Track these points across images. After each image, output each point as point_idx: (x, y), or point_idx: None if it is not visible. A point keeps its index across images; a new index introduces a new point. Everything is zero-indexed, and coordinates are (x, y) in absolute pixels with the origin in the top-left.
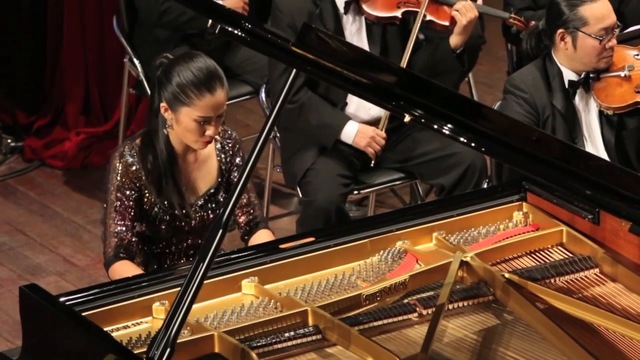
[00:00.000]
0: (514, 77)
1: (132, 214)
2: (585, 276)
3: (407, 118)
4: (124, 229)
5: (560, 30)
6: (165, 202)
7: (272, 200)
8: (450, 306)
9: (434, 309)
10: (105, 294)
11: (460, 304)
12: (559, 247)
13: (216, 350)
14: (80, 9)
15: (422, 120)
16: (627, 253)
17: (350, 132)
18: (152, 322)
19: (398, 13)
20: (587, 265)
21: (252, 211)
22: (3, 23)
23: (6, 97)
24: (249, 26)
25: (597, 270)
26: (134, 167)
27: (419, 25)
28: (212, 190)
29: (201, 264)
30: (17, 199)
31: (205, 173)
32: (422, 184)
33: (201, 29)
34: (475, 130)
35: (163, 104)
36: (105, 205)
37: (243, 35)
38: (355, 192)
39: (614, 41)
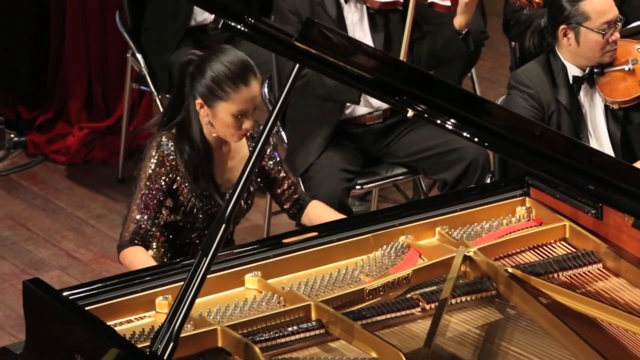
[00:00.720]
0: (518, 72)
1: (158, 205)
2: (588, 271)
3: (410, 113)
4: (145, 217)
5: (562, 27)
6: (203, 192)
7: None
8: (453, 301)
9: (437, 303)
10: (109, 289)
11: (463, 299)
12: (562, 242)
13: (219, 344)
14: (83, 4)
15: (425, 115)
16: (630, 248)
17: None
18: (155, 317)
19: None
20: (590, 260)
21: (296, 190)
22: (6, 18)
23: (9, 92)
24: (252, 21)
25: (600, 265)
26: (171, 157)
27: (413, 8)
28: None
29: (204, 259)
30: (20, 194)
31: (238, 162)
32: (425, 179)
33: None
34: (478, 125)
35: (198, 101)
36: (134, 189)
37: (246, 30)
38: (358, 187)
39: (616, 35)
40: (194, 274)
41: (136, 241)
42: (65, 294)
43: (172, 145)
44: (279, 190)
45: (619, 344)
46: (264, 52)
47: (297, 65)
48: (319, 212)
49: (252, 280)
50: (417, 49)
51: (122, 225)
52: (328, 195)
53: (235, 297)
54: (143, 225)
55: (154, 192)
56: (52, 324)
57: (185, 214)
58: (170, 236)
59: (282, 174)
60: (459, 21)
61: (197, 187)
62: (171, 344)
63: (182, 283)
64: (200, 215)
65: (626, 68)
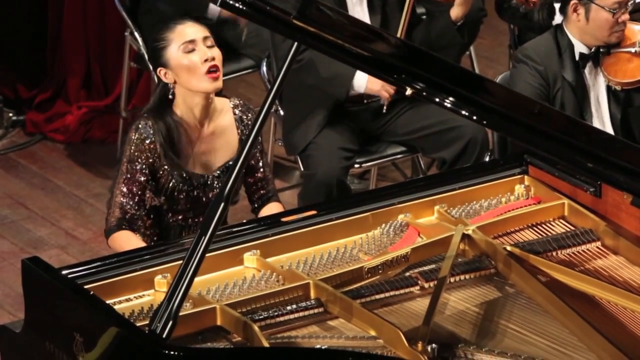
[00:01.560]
0: (527, 47)
1: (141, 188)
2: (587, 249)
3: (408, 91)
4: (130, 201)
5: (573, 2)
6: (183, 174)
7: (274, 173)
8: (452, 279)
9: (435, 281)
10: (108, 267)
11: (462, 277)
12: (561, 220)
13: (218, 323)
14: None
15: (424, 94)
16: (628, 226)
17: (362, 79)
18: (154, 295)
19: None
20: (588, 238)
21: (265, 185)
22: None
23: (7, 71)
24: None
25: (598, 243)
26: (148, 140)
27: None
28: (231, 162)
29: (203, 237)
30: (18, 173)
31: (224, 144)
32: (423, 158)
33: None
34: (476, 104)
35: (160, 70)
36: (116, 174)
37: (244, 8)
38: (357, 165)
39: (626, 16)
40: (192, 252)
41: (124, 226)
42: (64, 272)
43: (150, 128)
44: (250, 179)
45: (617, 322)
46: (262, 30)
47: (296, 43)
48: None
49: (251, 259)
50: (412, 34)
51: (107, 210)
52: (327, 173)
53: (234, 276)
54: (128, 209)
55: (135, 175)
56: (51, 303)
57: (166, 196)
58: (156, 219)
59: (260, 164)
60: (456, 12)
61: (175, 170)
62: (170, 323)
63: (181, 262)
64: (182, 197)
65: (633, 50)
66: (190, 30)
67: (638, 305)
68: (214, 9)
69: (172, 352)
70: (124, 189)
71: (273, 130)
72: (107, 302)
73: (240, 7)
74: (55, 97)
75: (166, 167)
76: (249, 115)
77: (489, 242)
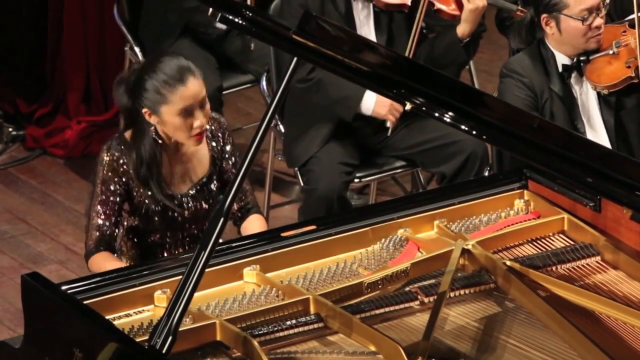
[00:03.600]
0: (511, 61)
1: (116, 208)
2: (587, 264)
3: (408, 106)
4: (107, 222)
5: (543, 15)
6: (155, 195)
7: (273, 188)
8: (452, 294)
9: (435, 296)
10: (107, 283)
11: (462, 292)
12: (561, 235)
13: (218, 338)
14: None
15: (423, 108)
16: (628, 240)
17: (370, 102)
18: (153, 311)
19: (407, 0)
20: (588, 253)
21: (243, 197)
22: (4, 11)
23: (7, 85)
24: (250, 14)
25: (598, 257)
26: (121, 161)
27: (423, 12)
28: (204, 179)
29: (203, 252)
30: (18, 188)
31: (197, 162)
32: (423, 172)
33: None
34: (476, 118)
35: (145, 110)
36: (91, 196)
37: (244, 23)
38: (357, 180)
39: (599, 20)
40: (192, 267)
41: (101, 247)
42: (63, 287)
43: (122, 150)
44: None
45: (617, 337)
46: (262, 45)
47: (295, 59)
48: (248, 226)
49: (250, 274)
50: (417, 51)
51: (85, 234)
52: (327, 188)
53: (234, 291)
54: (105, 229)
55: (110, 196)
56: (51, 318)
57: (141, 216)
58: (135, 239)
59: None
60: (462, 29)
61: (149, 190)
62: (170, 338)
63: (180, 277)
64: (156, 218)
65: (610, 52)
66: (190, 94)
67: (638, 320)
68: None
69: None
70: (100, 210)
71: (272, 145)
72: (107, 317)
73: (240, 22)
74: (55, 111)
75: (139, 188)
76: (219, 128)
77: (488, 257)
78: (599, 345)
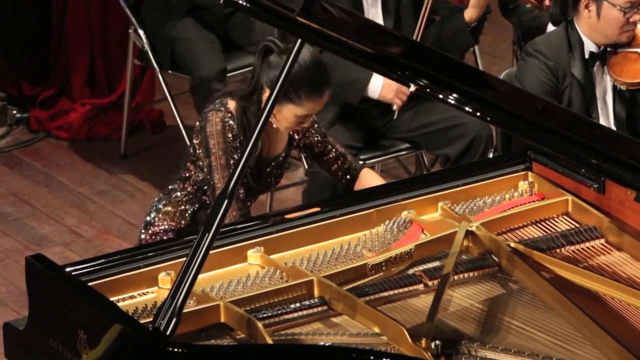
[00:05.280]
0: (538, 41)
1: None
2: (591, 245)
3: (412, 88)
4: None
5: None
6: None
7: None
8: (456, 276)
9: (439, 279)
10: (111, 264)
11: (466, 274)
12: (565, 217)
13: (222, 320)
14: None
15: (428, 90)
16: (632, 222)
17: (376, 86)
18: (158, 292)
19: None
20: (592, 235)
21: (344, 160)
22: None
23: (11, 68)
24: None
25: (602, 239)
26: (235, 133)
27: None
28: (281, 157)
29: (207, 234)
30: (22, 170)
31: (279, 139)
32: (427, 154)
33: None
34: (480, 100)
35: (267, 91)
36: (209, 171)
37: (248, 5)
38: (361, 162)
39: (637, 16)
40: (196, 249)
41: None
42: (68, 269)
43: (235, 120)
44: (327, 162)
45: (621, 318)
46: (266, 27)
47: (299, 40)
48: (364, 183)
49: (254, 256)
50: (424, 35)
51: (213, 195)
52: None
53: (238, 273)
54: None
55: (230, 161)
56: (55, 300)
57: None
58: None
59: (328, 147)
60: (469, 14)
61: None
62: (174, 320)
63: (184, 259)
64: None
65: (639, 51)
66: (319, 106)
67: None
68: None
69: (175, 349)
70: (226, 175)
71: None
72: (111, 299)
73: (244, 4)
74: (59, 94)
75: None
76: None
77: (492, 238)
78: (603, 326)
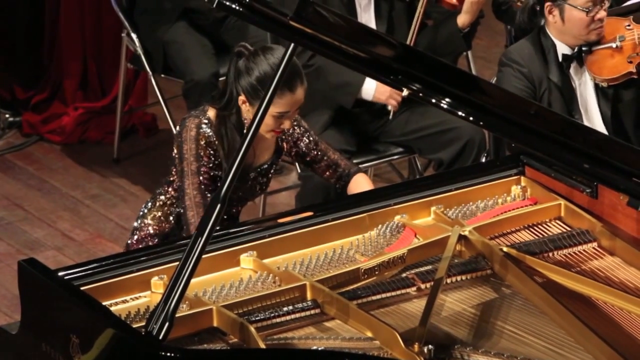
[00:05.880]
0: (511, 50)
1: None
2: (584, 250)
3: (405, 92)
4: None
5: (547, 3)
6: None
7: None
8: (449, 280)
9: (432, 283)
10: (104, 269)
11: (459, 278)
12: (557, 221)
13: (215, 324)
14: None
15: (420, 95)
16: (625, 227)
17: (370, 88)
18: (150, 297)
19: None
20: (585, 239)
21: (336, 167)
22: None
23: (4, 72)
24: (247, 0)
25: (595, 244)
26: (212, 140)
27: (425, 2)
28: (266, 166)
29: (200, 238)
30: (15, 174)
31: (265, 147)
32: (420, 159)
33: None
34: (473, 105)
35: (242, 97)
36: (180, 176)
37: (241, 9)
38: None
39: (602, 13)
40: (189, 253)
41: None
42: (60, 274)
43: (211, 128)
44: (319, 170)
45: (613, 323)
46: (259, 31)
47: (292, 45)
48: (353, 190)
49: (247, 260)
50: (417, 40)
51: (183, 200)
52: None
53: (231, 277)
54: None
55: (201, 169)
56: (48, 304)
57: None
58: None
59: (319, 154)
60: (462, 19)
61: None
62: (166, 324)
63: (177, 263)
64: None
65: (613, 45)
66: (294, 102)
67: (634, 306)
68: None
69: (168, 354)
70: (195, 171)
71: None
72: (104, 303)
73: (237, 8)
74: (51, 98)
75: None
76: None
77: (485, 243)
78: (596, 331)
